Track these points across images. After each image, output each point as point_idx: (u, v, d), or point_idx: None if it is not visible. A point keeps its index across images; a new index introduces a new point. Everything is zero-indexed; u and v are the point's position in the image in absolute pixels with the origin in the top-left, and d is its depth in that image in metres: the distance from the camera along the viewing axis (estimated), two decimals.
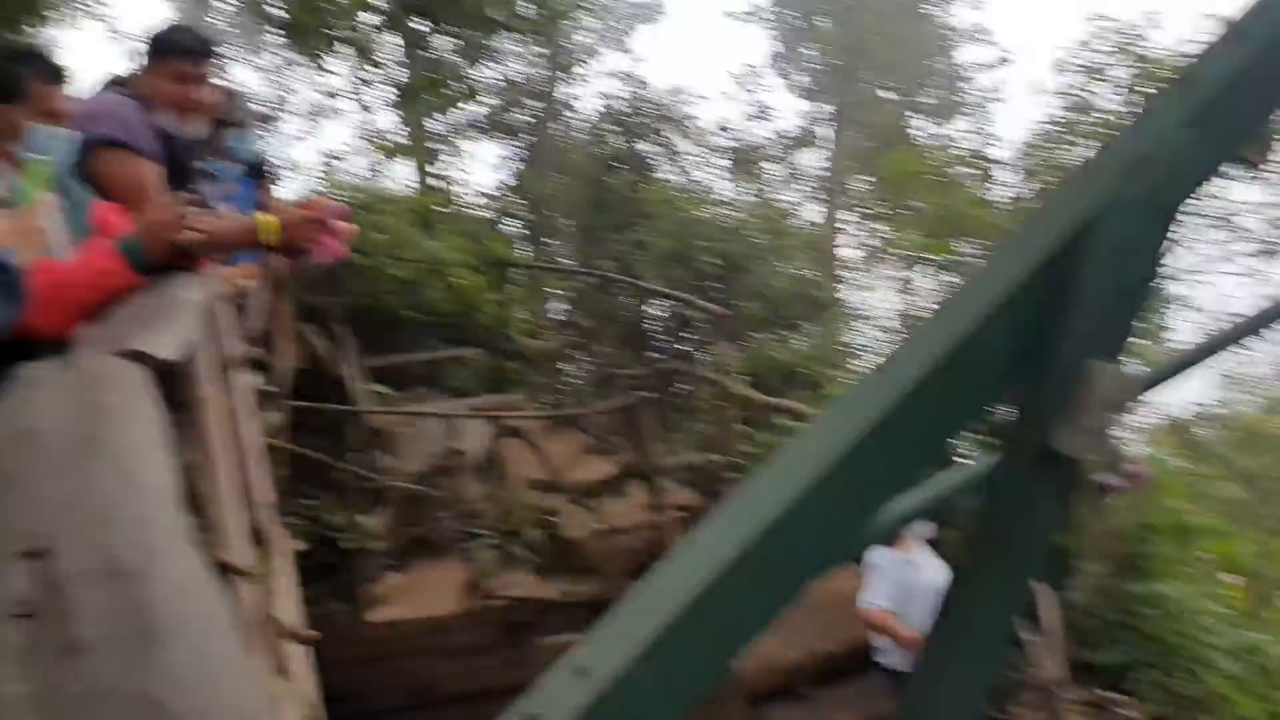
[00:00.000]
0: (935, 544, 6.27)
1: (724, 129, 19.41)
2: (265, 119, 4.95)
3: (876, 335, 16.82)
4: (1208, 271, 14.49)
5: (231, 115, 4.62)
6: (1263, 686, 6.66)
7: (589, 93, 20.75)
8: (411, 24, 8.45)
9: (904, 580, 5.50)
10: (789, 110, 27.00)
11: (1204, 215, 14.07)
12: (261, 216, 3.12)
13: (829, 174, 23.68)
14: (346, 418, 6.88)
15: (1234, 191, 13.93)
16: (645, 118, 16.10)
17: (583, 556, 6.21)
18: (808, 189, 23.24)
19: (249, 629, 2.62)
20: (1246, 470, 13.10)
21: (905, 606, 5.46)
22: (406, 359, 11.25)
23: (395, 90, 9.23)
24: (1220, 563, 8.09)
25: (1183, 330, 16.03)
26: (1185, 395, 18.13)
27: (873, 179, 18.43)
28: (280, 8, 8.23)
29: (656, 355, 12.67)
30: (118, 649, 0.76)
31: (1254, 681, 6.69)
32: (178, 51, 3.29)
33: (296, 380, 7.79)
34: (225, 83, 4.77)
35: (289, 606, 3.47)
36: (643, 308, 13.81)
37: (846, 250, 20.51)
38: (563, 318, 12.37)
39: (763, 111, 20.70)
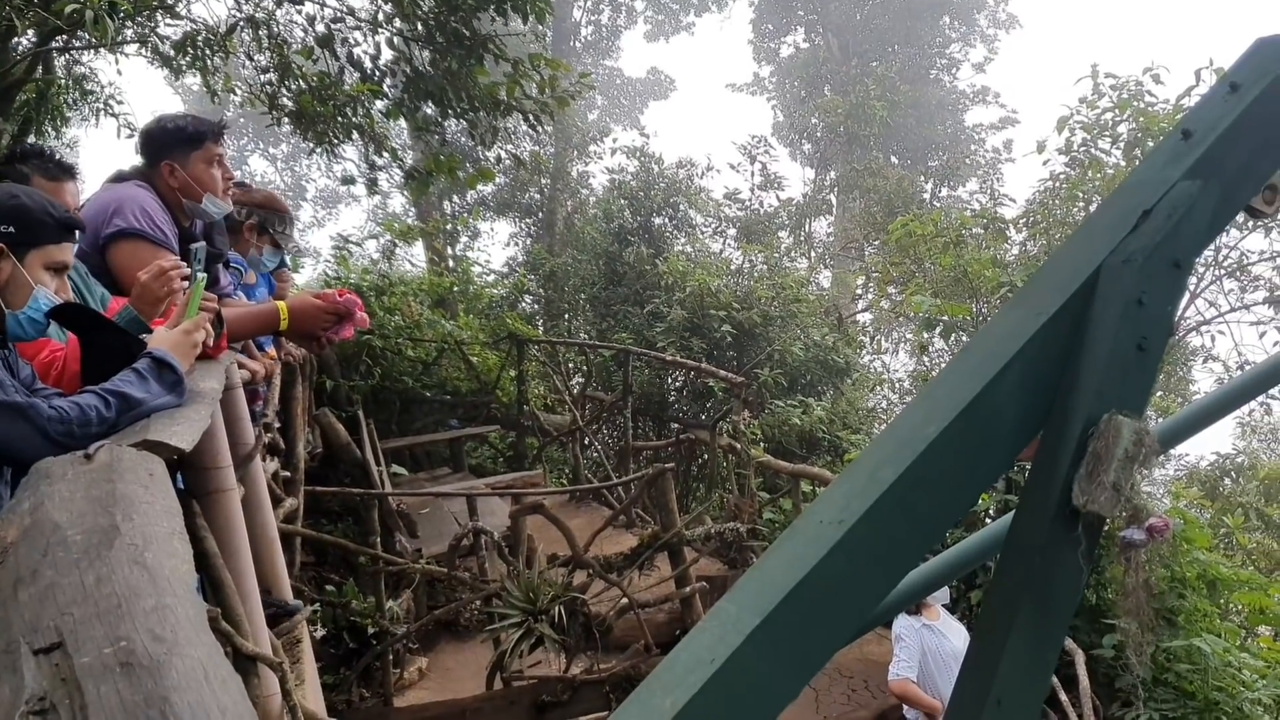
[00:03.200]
0: (950, 608, 6.20)
1: (734, 199, 19.63)
2: (295, 248, 5.15)
3: (894, 398, 16.80)
4: (1225, 321, 14.43)
5: (274, 230, 4.75)
6: None
7: (601, 169, 21.10)
8: (421, 108, 8.57)
9: (928, 647, 5.43)
10: (796, 178, 27.37)
11: (1220, 265, 14.05)
12: (279, 304, 3.17)
13: (839, 240, 23.83)
14: (366, 500, 6.86)
15: (1245, 241, 13.94)
16: (657, 191, 16.31)
17: (608, 632, 6.14)
18: (820, 255, 23.37)
19: (269, 718, 2.59)
20: (1272, 520, 12.89)
21: (930, 673, 5.39)
22: (425, 439, 11.27)
23: (407, 174, 9.34)
24: (1253, 614, 7.95)
25: (1205, 382, 15.97)
26: (1205, 445, 17.96)
27: (882, 243, 18.52)
28: (290, 98, 8.37)
29: (676, 425, 12.66)
30: None
31: None
32: (207, 136, 3.35)
33: (315, 464, 7.81)
34: (270, 201, 4.91)
35: (310, 694, 3.43)
36: (660, 379, 13.83)
37: (861, 315, 20.57)
38: (581, 391, 12.37)
39: (770, 180, 20.89)
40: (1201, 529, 7.90)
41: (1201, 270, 13.71)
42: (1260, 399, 13.77)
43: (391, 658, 6.52)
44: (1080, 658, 6.07)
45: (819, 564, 1.20)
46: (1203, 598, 7.22)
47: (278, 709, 2.63)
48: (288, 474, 5.82)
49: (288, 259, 5.51)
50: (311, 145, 8.75)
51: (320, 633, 6.13)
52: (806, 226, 23.32)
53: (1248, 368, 11.54)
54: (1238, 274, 14.18)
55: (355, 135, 8.67)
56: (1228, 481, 14.72)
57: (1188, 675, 6.67)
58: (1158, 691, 6.65)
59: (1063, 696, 5.79)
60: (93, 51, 9.08)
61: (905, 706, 5.62)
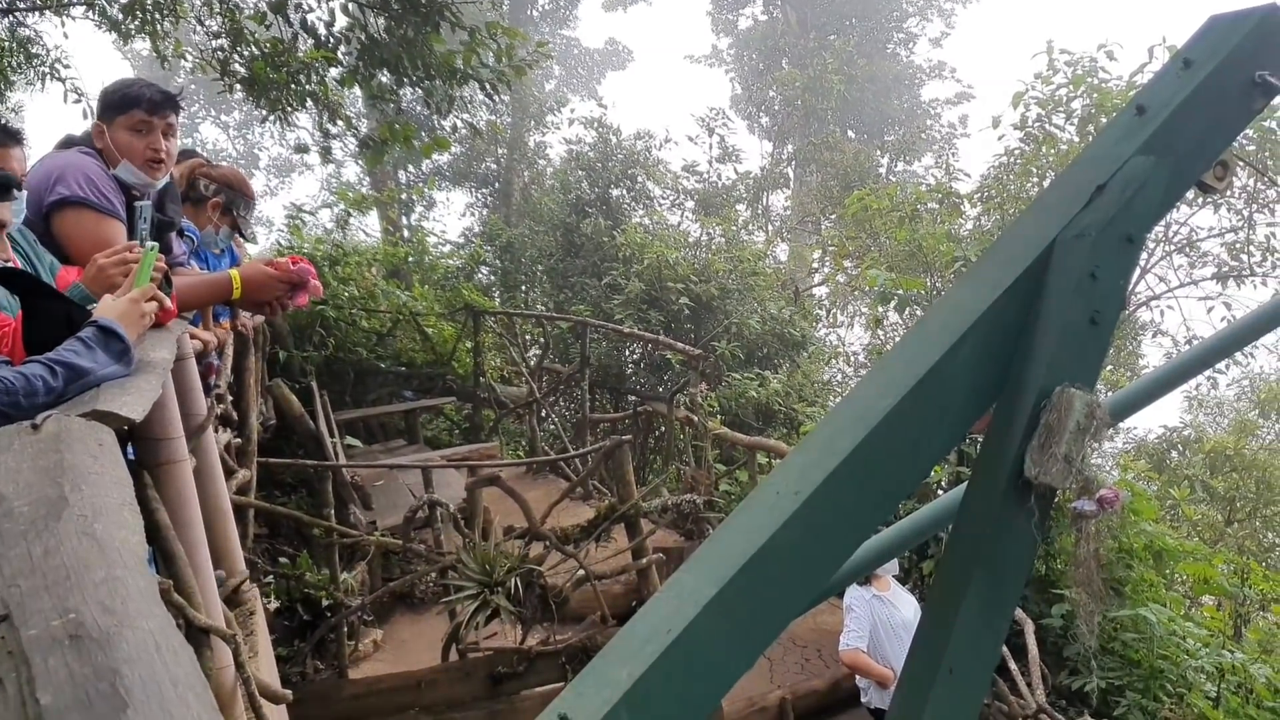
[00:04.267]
0: (901, 579, 6.29)
1: (691, 171, 19.59)
2: (253, 234, 5.16)
3: (849, 371, 16.94)
4: (1174, 297, 14.69)
5: (238, 213, 4.70)
6: (1245, 707, 6.68)
7: (558, 139, 20.98)
8: (377, 76, 8.45)
9: (878, 617, 5.50)
10: (754, 151, 27.42)
11: (1170, 241, 14.28)
12: (232, 272, 3.13)
13: (796, 213, 23.90)
14: (320, 472, 6.80)
15: (1194, 217, 14.18)
16: (614, 162, 16.24)
17: (565, 603, 6.15)
18: (777, 229, 23.43)
19: (223, 690, 2.57)
20: (1217, 492, 13.20)
21: (880, 643, 5.46)
22: (380, 410, 11.20)
23: (362, 142, 9.22)
24: (1197, 584, 8.14)
25: (1154, 356, 16.26)
26: (1153, 419, 18.32)
27: (838, 217, 18.60)
28: (243, 64, 8.21)
29: (634, 398, 12.67)
30: (84, 716, 0.74)
31: (1236, 703, 6.71)
32: (138, 103, 3.27)
33: (268, 436, 7.73)
34: (240, 184, 4.85)
35: (264, 666, 3.41)
36: (618, 351, 13.83)
37: (817, 288, 20.66)
38: (538, 363, 12.33)
39: (728, 153, 20.86)
40: (1149, 501, 8.06)
41: (1152, 246, 13.92)
42: (1207, 373, 14.06)
43: (346, 630, 6.49)
44: (1029, 627, 6.18)
45: (775, 535, 1.21)
46: (1149, 568, 7.38)
47: (231, 681, 2.62)
48: (239, 441, 5.76)
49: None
50: (264, 113, 8.60)
51: (274, 605, 6.10)
52: (764, 200, 23.34)
53: (1195, 342, 11.77)
54: (1187, 250, 14.42)
55: (309, 103, 8.54)
56: (1174, 454, 15.02)
57: (1134, 644, 6.82)
58: (1104, 660, 6.80)
59: (1012, 665, 5.89)
60: (38, 14, 8.86)
61: (857, 676, 5.70)
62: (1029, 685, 5.83)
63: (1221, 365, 14.20)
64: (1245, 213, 13.58)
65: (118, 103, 3.27)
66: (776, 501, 1.25)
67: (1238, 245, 13.78)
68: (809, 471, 1.26)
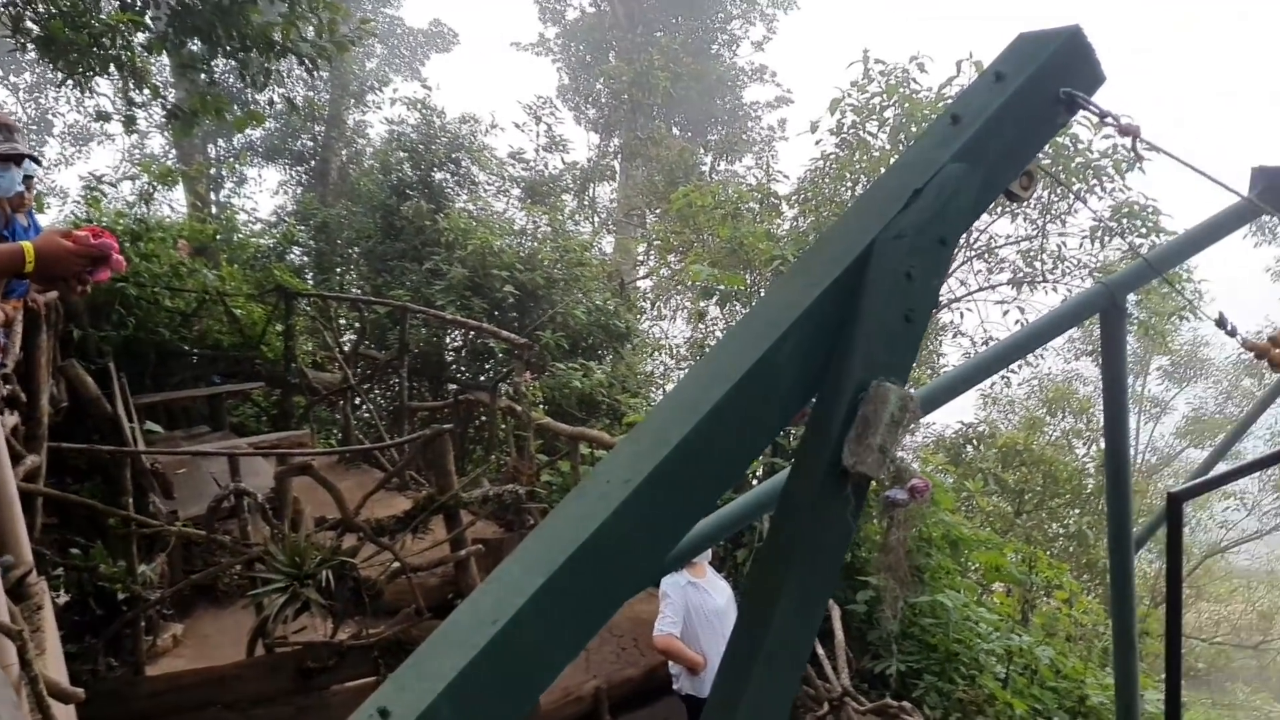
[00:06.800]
0: (717, 566, 6.44)
1: (518, 159, 19.47)
2: (33, 159, 4.75)
3: (671, 364, 17.21)
4: (973, 300, 15.52)
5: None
6: (1030, 687, 7.15)
7: (379, 119, 20.51)
8: (188, 44, 8.03)
9: (692, 604, 5.59)
10: (581, 142, 27.53)
11: (971, 247, 15.08)
12: (25, 244, 2.92)
13: (621, 206, 24.10)
14: (117, 459, 6.43)
15: (993, 225, 15.02)
16: (438, 145, 15.97)
17: (379, 596, 6.02)
18: (603, 221, 23.55)
19: (9, 688, 2.41)
20: (1008, 485, 14.06)
21: (693, 629, 5.56)
22: (184, 395, 10.70)
23: (170, 113, 8.75)
24: (989, 572, 8.66)
25: (953, 356, 17.15)
26: (950, 414, 19.39)
27: (663, 212, 18.86)
28: (38, 22, 7.66)
29: (454, 386, 12.50)
30: None
31: (1022, 683, 7.16)
32: None
33: (59, 419, 7.27)
34: None
35: (52, 664, 3.22)
36: (439, 338, 13.62)
37: (642, 281, 20.88)
38: (353, 349, 11.98)
39: (555, 142, 20.83)
40: (946, 492, 8.51)
41: (954, 251, 14.67)
42: (1001, 373, 14.97)
43: (144, 624, 6.18)
44: (836, 613, 6.43)
45: (604, 524, 1.21)
46: (946, 556, 7.79)
47: (16, 679, 2.46)
48: (28, 424, 5.40)
49: (18, 181, 4.94)
50: (61, 76, 8.04)
51: (63, 599, 5.74)
52: (590, 191, 23.43)
53: (992, 343, 12.48)
54: (986, 256, 15.28)
55: (112, 68, 8.04)
56: (970, 449, 15.89)
57: (931, 629, 7.19)
58: (905, 644, 7.15)
59: (819, 650, 6.12)
60: None
61: (669, 662, 5.79)
62: (835, 669, 6.07)
63: (1014, 365, 15.15)
64: (1039, 222, 14.48)
65: None
66: (607, 490, 1.25)
67: (1031, 253, 14.68)
68: (639, 460, 1.27)
